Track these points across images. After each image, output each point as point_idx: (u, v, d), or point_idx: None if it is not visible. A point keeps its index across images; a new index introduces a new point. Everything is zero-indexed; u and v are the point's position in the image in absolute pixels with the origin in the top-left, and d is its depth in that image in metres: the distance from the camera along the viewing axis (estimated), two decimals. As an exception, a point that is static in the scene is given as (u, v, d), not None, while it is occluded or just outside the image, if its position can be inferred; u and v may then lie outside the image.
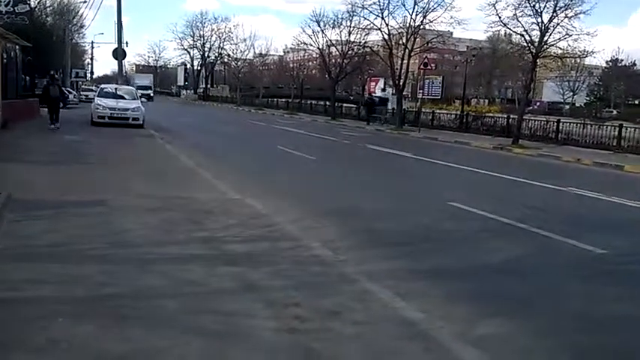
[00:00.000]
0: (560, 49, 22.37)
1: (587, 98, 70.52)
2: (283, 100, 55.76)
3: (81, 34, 54.97)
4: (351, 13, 36.77)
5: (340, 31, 40.55)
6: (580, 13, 21.29)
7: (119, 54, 25.78)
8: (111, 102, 20.58)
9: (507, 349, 3.86)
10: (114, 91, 22.16)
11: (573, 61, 43.16)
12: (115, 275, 4.56)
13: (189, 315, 3.90)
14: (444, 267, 5.70)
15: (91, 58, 67.68)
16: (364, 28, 35.96)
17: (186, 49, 77.82)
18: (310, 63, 66.65)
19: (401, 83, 31.98)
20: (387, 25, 32.47)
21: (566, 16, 21.20)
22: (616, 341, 4.14)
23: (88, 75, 64.72)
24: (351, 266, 5.17)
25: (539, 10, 21.42)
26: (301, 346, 3.54)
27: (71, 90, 39.60)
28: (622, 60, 70.73)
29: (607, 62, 69.45)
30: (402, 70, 31.96)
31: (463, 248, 6.60)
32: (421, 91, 31.14)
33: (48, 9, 38.84)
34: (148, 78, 76.57)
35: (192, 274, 4.69)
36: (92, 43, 62.88)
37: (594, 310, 4.74)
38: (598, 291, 5.26)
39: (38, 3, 32.16)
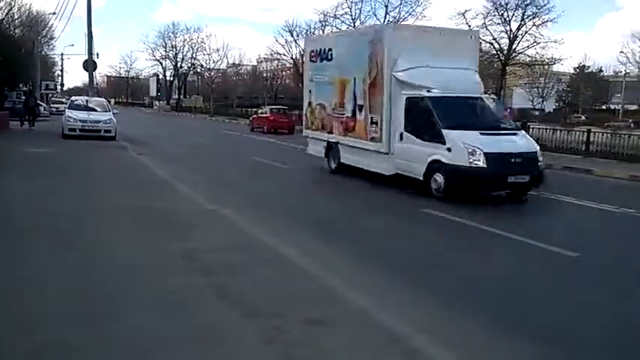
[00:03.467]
0: (529, 56, 22.94)
1: (556, 104, 71.87)
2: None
3: (50, 46, 54.37)
4: (324, 23, 37.18)
5: (313, 41, 40.68)
6: (547, 22, 21.87)
7: (90, 65, 25.46)
8: (82, 114, 20.33)
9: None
10: (85, 103, 21.89)
11: (542, 68, 44.04)
12: (88, 289, 4.51)
13: (165, 325, 3.88)
14: (433, 281, 5.75)
15: (61, 70, 66.81)
16: (337, 38, 36.03)
17: (158, 60, 76.94)
18: (284, 72, 66.70)
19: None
20: (361, 34, 32.29)
21: (534, 25, 21.82)
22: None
23: (59, 87, 63.76)
24: (331, 275, 5.19)
25: (507, 19, 22.02)
26: (280, 355, 3.55)
27: (41, 102, 38.98)
28: (589, 66, 72.23)
29: (575, 69, 70.93)
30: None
31: (442, 257, 6.68)
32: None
33: (16, 21, 38.24)
34: None
35: (169, 286, 4.67)
36: (62, 54, 62.12)
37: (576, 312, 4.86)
38: (573, 293, 5.38)
39: (6, 15, 31.66)
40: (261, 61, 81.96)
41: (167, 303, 4.32)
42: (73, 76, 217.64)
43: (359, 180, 12.19)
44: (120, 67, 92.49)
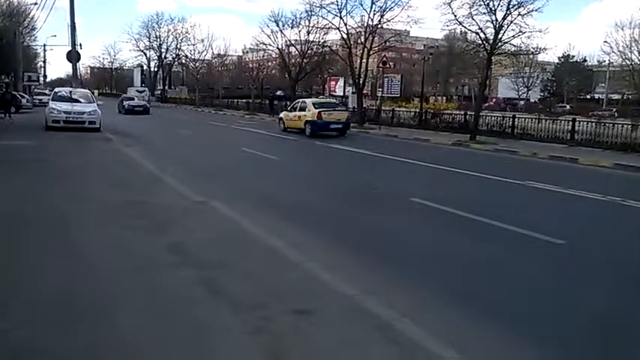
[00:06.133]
0: (514, 46, 22.87)
1: (541, 94, 72.40)
2: (243, 100, 55.34)
3: (33, 37, 53.66)
4: (310, 13, 36.78)
5: (299, 31, 40.55)
6: (532, 11, 21.79)
7: (73, 56, 25.14)
8: (66, 106, 20.10)
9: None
10: (69, 94, 21.64)
11: (527, 57, 44.29)
12: (76, 285, 4.46)
13: (154, 320, 3.86)
14: (420, 269, 5.76)
15: (44, 61, 66.04)
16: (323, 28, 35.99)
17: (142, 51, 76.17)
18: (270, 63, 66.32)
19: (361, 82, 32.20)
20: (346, 24, 32.37)
21: (519, 14, 21.69)
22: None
23: (41, 79, 63.02)
24: (318, 266, 5.18)
25: (493, 9, 21.87)
26: (267, 346, 3.55)
27: (24, 94, 38.49)
28: (573, 56, 72.85)
29: (559, 58, 71.54)
30: (362, 69, 32.18)
31: (430, 246, 6.70)
32: (380, 89, 31.50)
33: (-4, 11, 37.66)
34: None
35: (157, 280, 4.63)
36: (45, 45, 61.53)
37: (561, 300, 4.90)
38: (558, 280, 5.42)
39: (-14, 5, 31.18)
40: (247, 52, 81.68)
41: (155, 298, 4.29)
42: (56, 67, 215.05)
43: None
44: (103, 58, 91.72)
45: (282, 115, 25.71)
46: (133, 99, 43.77)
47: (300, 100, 27.28)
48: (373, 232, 7.19)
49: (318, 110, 23.32)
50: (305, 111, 23.89)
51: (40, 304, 4.07)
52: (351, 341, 3.70)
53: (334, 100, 31.08)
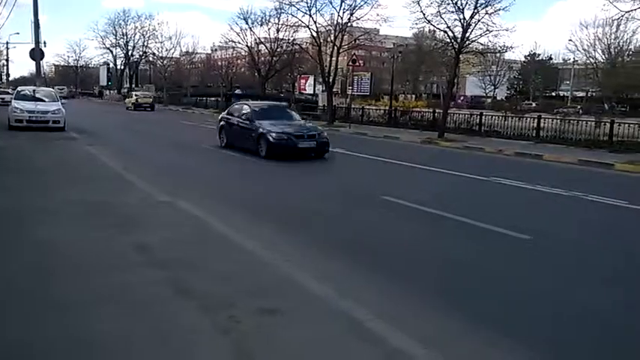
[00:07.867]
0: (482, 44, 23.24)
1: (508, 92, 73.57)
2: (213, 98, 54.83)
3: (-6, 34, 52.16)
4: (279, 11, 36.59)
5: (268, 29, 40.30)
6: (499, 10, 22.14)
7: (37, 54, 24.53)
8: (29, 105, 19.63)
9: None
10: (32, 93, 21.13)
11: (494, 56, 44.88)
12: (39, 284, 4.35)
13: (119, 321, 3.79)
14: (388, 264, 5.77)
15: (7, 60, 64.31)
16: (292, 26, 35.90)
17: (108, 48, 74.83)
18: (239, 61, 65.76)
19: (330, 80, 32.23)
20: (315, 22, 32.37)
21: (486, 13, 22.00)
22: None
23: (4, 77, 61.45)
24: (289, 265, 5.16)
25: (461, 7, 22.14)
26: (235, 346, 3.53)
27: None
28: (539, 54, 74.25)
29: (525, 57, 72.79)
30: (331, 67, 32.20)
31: (400, 243, 6.72)
32: (350, 87, 31.64)
33: (-45, 7, 36.56)
34: None
35: (123, 281, 4.54)
36: (7, 43, 59.72)
37: (525, 293, 4.97)
38: (526, 275, 5.50)
39: (-56, 1, 30.24)
40: (216, 50, 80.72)
41: (121, 299, 4.20)
42: (20, 65, 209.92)
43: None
44: (68, 56, 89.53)
45: (126, 100, 38.79)
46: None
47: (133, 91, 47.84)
48: (343, 229, 7.19)
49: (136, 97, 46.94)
50: (132, 98, 47.57)
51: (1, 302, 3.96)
52: (322, 341, 3.68)
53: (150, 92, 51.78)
